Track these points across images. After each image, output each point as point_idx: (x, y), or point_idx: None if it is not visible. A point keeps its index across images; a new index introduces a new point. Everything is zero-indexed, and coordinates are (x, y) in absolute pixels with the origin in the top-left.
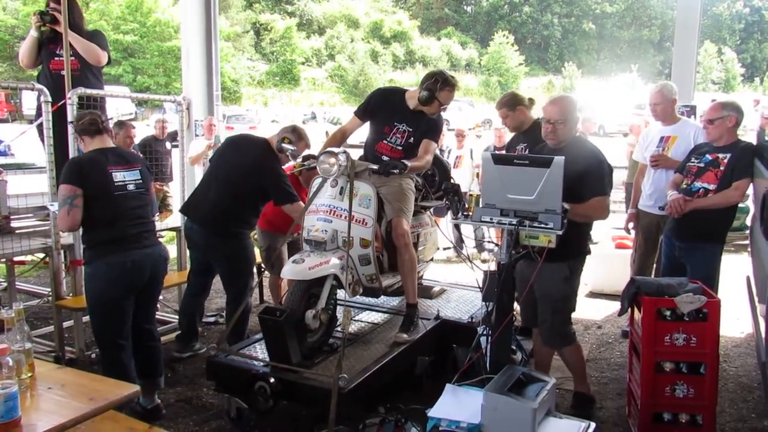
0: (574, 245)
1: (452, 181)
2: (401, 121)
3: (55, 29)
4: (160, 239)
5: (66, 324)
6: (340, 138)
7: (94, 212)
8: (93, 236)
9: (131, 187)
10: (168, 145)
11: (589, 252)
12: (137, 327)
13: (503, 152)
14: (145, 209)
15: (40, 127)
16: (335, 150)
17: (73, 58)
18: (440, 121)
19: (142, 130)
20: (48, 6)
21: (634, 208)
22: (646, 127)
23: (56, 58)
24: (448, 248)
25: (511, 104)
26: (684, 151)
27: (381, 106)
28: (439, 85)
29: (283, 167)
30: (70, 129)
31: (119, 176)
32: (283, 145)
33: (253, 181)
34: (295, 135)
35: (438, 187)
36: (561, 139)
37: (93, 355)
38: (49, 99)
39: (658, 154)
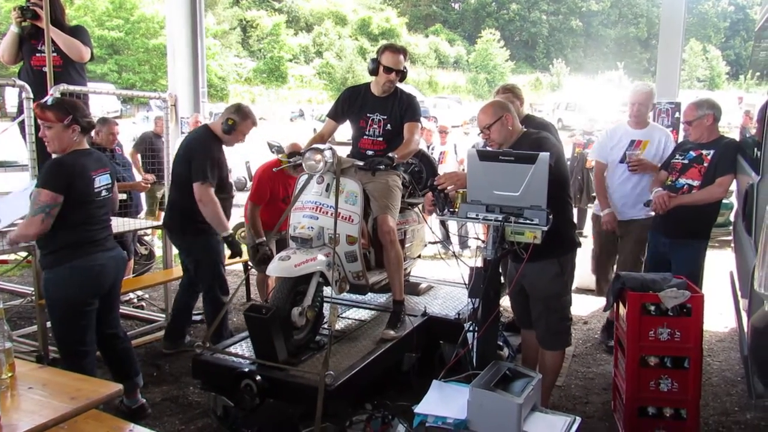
0: (561, 240)
1: None
2: (373, 111)
3: (36, 25)
4: (147, 236)
5: (49, 323)
6: (318, 142)
7: (68, 216)
8: (58, 239)
9: (104, 192)
10: None
11: (579, 245)
12: (102, 333)
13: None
14: (109, 213)
15: (21, 125)
16: (321, 147)
17: (55, 54)
18: (414, 101)
19: (128, 128)
20: (28, 1)
21: (608, 208)
22: None
23: (38, 54)
24: (435, 243)
25: (516, 92)
26: (654, 156)
27: (351, 104)
28: (379, 51)
29: (220, 148)
30: None
31: (98, 182)
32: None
33: (187, 166)
34: (240, 115)
35: (425, 183)
36: (499, 141)
37: None
38: (31, 95)
39: (637, 158)
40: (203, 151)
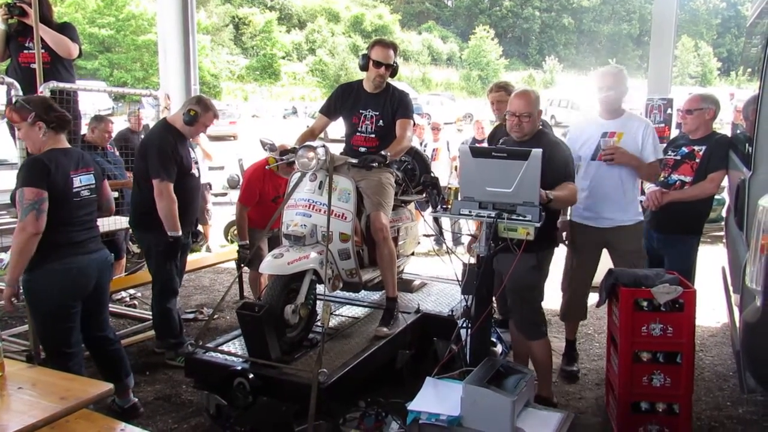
0: (542, 236)
1: (432, 174)
2: (365, 107)
3: (23, 22)
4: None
5: None
6: (309, 137)
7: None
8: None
9: (85, 192)
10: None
11: (557, 244)
12: (91, 336)
13: (484, 144)
14: (93, 214)
15: (11, 123)
16: (314, 144)
17: (43, 51)
18: (406, 98)
19: (120, 125)
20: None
21: (562, 216)
22: None
23: (25, 51)
24: (429, 236)
25: (509, 90)
26: (632, 150)
27: (344, 100)
28: (369, 47)
29: (179, 140)
30: None
31: (77, 182)
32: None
33: (144, 161)
34: (201, 106)
35: (418, 181)
36: (526, 132)
37: None
38: (20, 93)
39: (613, 145)
40: (157, 146)
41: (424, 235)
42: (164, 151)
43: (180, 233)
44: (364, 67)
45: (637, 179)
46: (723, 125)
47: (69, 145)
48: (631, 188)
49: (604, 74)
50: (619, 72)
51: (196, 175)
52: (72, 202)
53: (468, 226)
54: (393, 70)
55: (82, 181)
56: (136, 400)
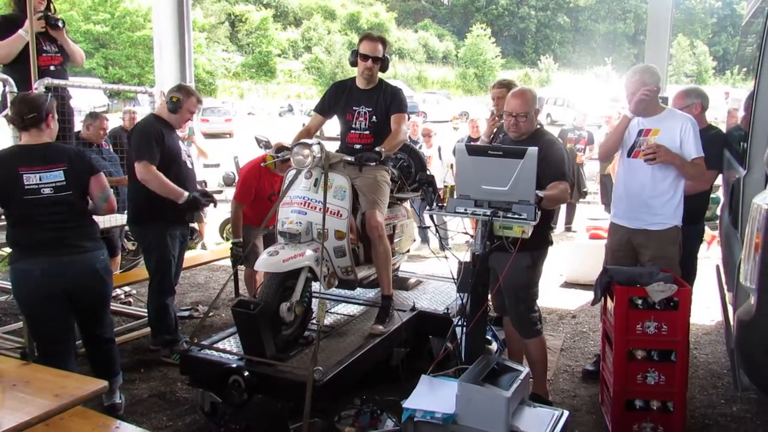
0: (537, 236)
1: (428, 172)
2: (358, 104)
3: (47, 30)
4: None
5: None
6: (305, 136)
7: (8, 214)
8: (8, 238)
9: (47, 190)
10: None
11: (551, 243)
12: (87, 331)
13: (479, 143)
14: (67, 214)
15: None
16: (309, 141)
17: (58, 54)
18: (399, 93)
19: (115, 122)
20: (49, 9)
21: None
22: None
23: (44, 54)
24: (426, 227)
25: (512, 88)
26: (669, 147)
27: (337, 98)
28: (358, 42)
29: (166, 129)
30: None
31: (33, 178)
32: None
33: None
34: (183, 92)
35: (413, 178)
36: (523, 131)
37: None
38: (15, 89)
39: (654, 144)
40: (140, 131)
41: (420, 227)
42: (146, 134)
43: (186, 194)
44: (353, 63)
45: (678, 180)
46: (718, 123)
47: (41, 140)
48: (667, 190)
49: (629, 79)
50: (641, 76)
51: (189, 165)
52: (25, 200)
53: (464, 225)
54: (383, 63)
55: (42, 178)
56: (120, 401)
